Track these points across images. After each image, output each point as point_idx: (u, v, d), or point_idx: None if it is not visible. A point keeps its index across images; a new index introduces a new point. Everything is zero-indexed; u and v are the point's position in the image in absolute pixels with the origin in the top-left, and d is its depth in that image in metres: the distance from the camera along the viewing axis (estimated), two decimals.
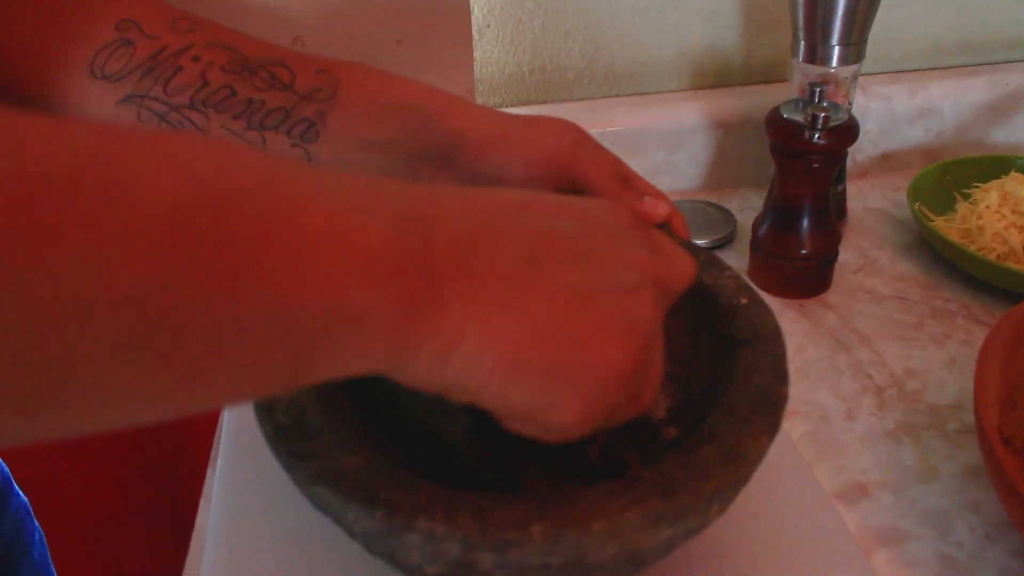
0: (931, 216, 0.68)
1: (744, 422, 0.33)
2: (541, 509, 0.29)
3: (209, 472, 0.52)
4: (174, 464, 0.85)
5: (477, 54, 0.71)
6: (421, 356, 0.25)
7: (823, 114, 0.54)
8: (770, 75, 0.78)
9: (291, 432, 0.33)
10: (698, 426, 0.34)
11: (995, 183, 0.67)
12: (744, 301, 0.40)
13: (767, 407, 0.34)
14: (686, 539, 0.32)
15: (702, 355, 0.41)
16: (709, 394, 0.38)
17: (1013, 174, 0.68)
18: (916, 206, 0.66)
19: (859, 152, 0.79)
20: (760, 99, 0.75)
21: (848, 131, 0.56)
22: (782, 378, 0.35)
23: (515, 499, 0.30)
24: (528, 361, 0.26)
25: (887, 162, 0.80)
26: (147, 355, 0.18)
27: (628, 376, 0.28)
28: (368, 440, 0.34)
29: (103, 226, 0.17)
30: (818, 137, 0.55)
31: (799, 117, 0.57)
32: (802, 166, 0.58)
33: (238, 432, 0.52)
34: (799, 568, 0.42)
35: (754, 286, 0.42)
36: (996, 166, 0.71)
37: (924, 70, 0.79)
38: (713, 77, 0.77)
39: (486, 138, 0.46)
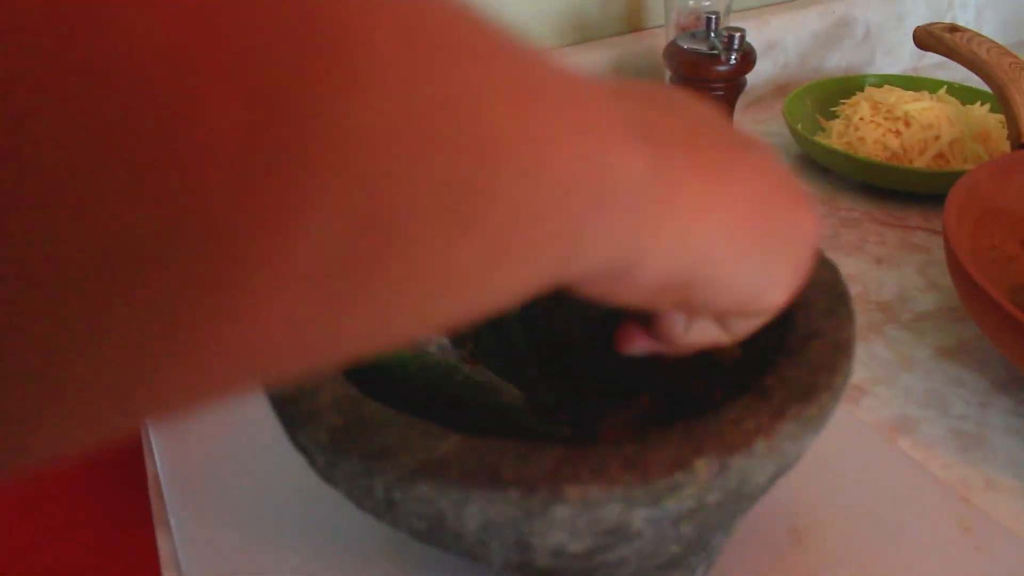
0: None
1: (830, 314, 0.31)
2: (690, 440, 0.25)
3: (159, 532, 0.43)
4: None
5: None
6: (662, 237, 0.21)
7: (738, 34, 0.54)
8: (629, 24, 0.78)
9: (354, 431, 0.26)
10: (778, 332, 0.32)
11: (859, 96, 0.71)
12: None
13: (839, 298, 0.32)
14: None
15: None
16: None
17: (868, 89, 0.73)
18: (799, 126, 0.69)
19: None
20: (625, 49, 0.75)
21: (750, 54, 0.57)
22: (835, 271, 0.34)
23: (658, 436, 0.26)
24: (755, 234, 0.24)
25: (745, 97, 0.83)
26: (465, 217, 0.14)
27: (819, 241, 0.27)
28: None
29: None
30: (734, 59, 0.55)
31: (701, 46, 0.57)
32: (707, 96, 0.59)
33: (184, 486, 0.43)
34: (836, 467, 0.41)
35: None
36: (850, 85, 0.76)
37: (764, 6, 0.83)
38: (574, 33, 0.76)
39: None
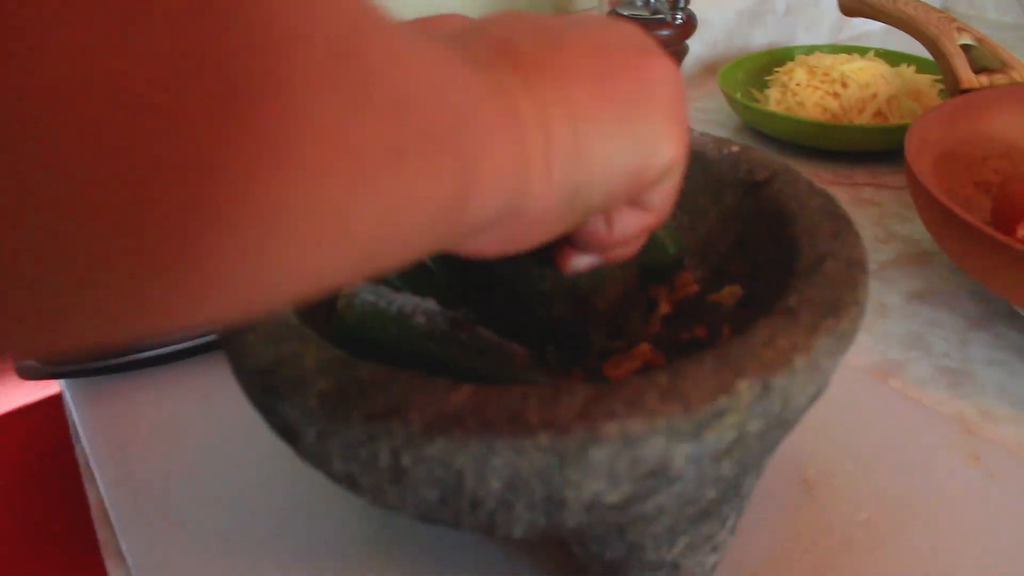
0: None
1: (836, 236, 0.29)
2: (727, 364, 0.23)
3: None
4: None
5: None
6: (534, 166, 0.21)
7: None
8: (558, 8, 0.77)
9: (350, 394, 0.23)
10: (782, 259, 0.30)
11: (791, 64, 0.71)
12: (735, 149, 0.37)
13: (841, 220, 0.31)
14: None
15: (709, 215, 0.37)
16: (751, 239, 0.34)
17: (799, 57, 0.73)
18: (738, 95, 0.69)
19: None
20: None
21: (693, 16, 0.56)
22: (831, 198, 0.33)
23: (690, 364, 0.23)
24: (608, 109, 0.24)
25: None
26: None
27: (681, 83, 0.26)
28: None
29: None
30: (680, 17, 0.54)
31: (642, 12, 0.56)
32: None
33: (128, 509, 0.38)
34: (836, 413, 0.39)
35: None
36: (780, 56, 0.76)
37: None
38: None
39: None
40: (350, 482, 0.25)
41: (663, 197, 0.27)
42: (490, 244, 0.23)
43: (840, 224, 0.30)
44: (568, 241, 0.28)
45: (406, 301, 0.29)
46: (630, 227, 0.27)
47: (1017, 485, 0.35)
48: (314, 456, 0.25)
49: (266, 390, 0.24)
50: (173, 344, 0.47)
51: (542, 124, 0.22)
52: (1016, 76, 0.57)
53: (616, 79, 0.24)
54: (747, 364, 0.23)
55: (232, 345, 0.26)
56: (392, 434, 0.22)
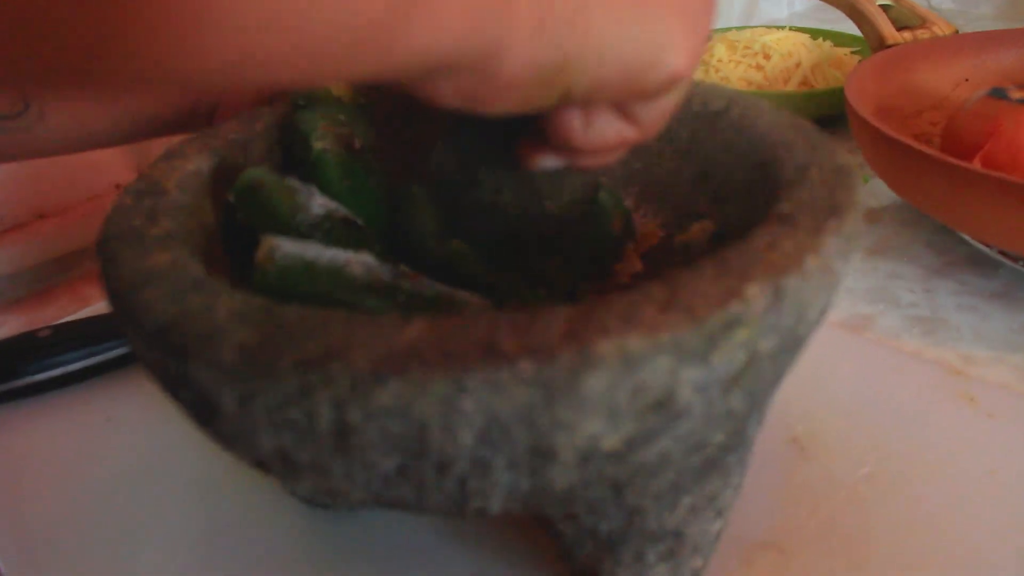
0: None
1: (815, 148, 0.26)
2: (730, 270, 0.19)
3: None
4: None
5: None
6: (519, 12, 0.18)
7: None
8: None
9: (278, 342, 0.18)
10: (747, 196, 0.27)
11: (711, 42, 0.70)
12: None
13: (816, 134, 0.28)
14: None
15: (664, 155, 0.33)
16: (713, 171, 0.31)
17: (716, 36, 0.72)
18: None
19: None
20: None
21: None
22: (794, 115, 0.30)
23: (686, 274, 0.19)
24: None
25: None
26: None
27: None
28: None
29: None
30: None
31: None
32: None
33: None
34: (816, 369, 0.36)
35: None
36: None
37: None
38: None
39: None
40: (283, 462, 0.20)
41: (655, 115, 0.24)
42: (448, 93, 0.19)
43: (815, 136, 0.27)
44: (537, 136, 0.25)
45: (337, 253, 0.25)
46: (609, 135, 0.24)
47: (1017, 423, 0.33)
48: (235, 432, 0.20)
49: (170, 350, 0.19)
50: (61, 366, 0.40)
51: None
52: (936, 30, 0.57)
53: None
54: (753, 268, 0.19)
55: (127, 307, 0.21)
56: (333, 382, 0.17)
